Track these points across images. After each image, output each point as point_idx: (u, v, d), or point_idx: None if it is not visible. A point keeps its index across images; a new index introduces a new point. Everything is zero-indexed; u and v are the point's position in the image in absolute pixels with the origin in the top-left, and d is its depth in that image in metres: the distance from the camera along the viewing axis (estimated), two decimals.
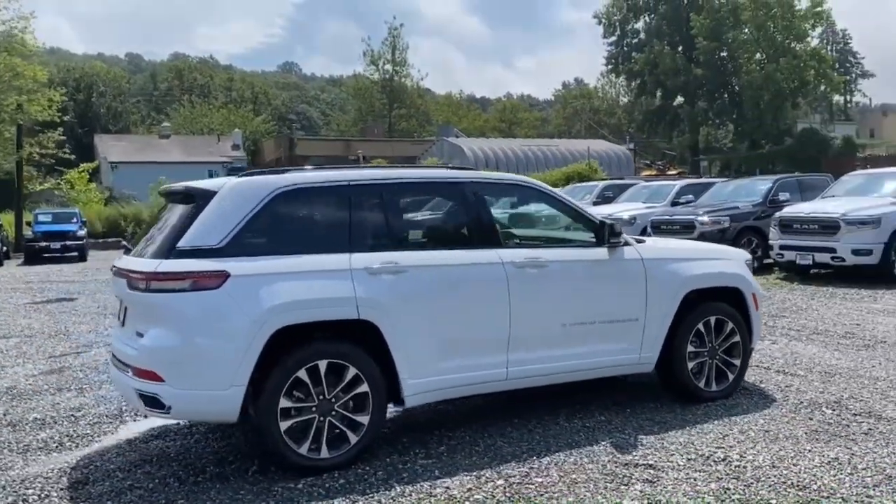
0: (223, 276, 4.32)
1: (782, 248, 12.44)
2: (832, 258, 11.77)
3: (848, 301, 10.19)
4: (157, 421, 5.42)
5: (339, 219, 4.83)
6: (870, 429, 4.97)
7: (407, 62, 68.69)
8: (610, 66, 60.89)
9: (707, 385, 5.70)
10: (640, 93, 60.05)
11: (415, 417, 5.44)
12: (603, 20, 57.99)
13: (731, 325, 5.78)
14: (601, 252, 5.42)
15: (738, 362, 5.83)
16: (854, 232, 11.50)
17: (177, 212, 4.79)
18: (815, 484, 4.10)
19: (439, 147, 36.64)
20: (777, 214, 12.85)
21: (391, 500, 4.09)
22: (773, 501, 3.91)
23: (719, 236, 12.87)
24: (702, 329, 5.67)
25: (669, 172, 32.10)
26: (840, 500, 3.90)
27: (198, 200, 4.58)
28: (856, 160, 39.30)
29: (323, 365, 4.46)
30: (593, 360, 5.38)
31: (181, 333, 4.30)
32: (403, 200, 5.20)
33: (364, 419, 4.57)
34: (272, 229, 4.64)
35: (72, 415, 5.84)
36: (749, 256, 6.42)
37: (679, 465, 4.42)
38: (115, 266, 4.89)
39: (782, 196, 13.93)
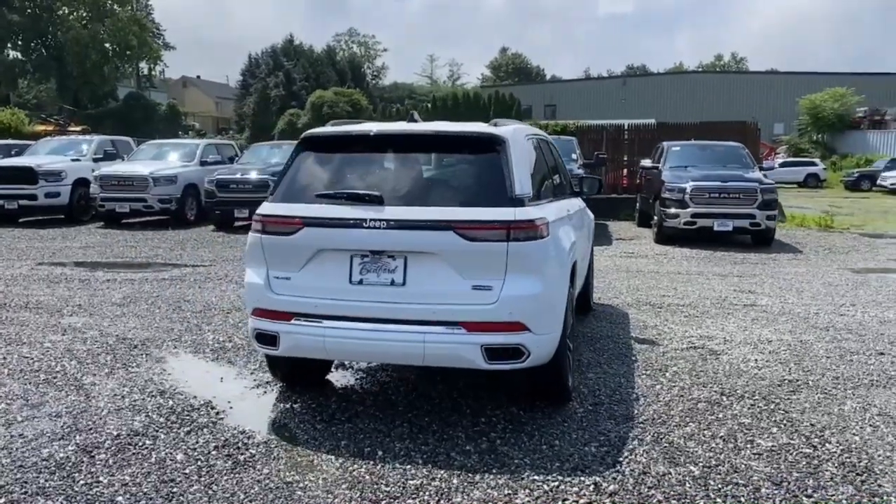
0: (547, 222, 4.40)
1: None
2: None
3: None
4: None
5: (536, 168, 5.12)
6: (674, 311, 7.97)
7: None
8: None
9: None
10: None
11: None
12: None
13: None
14: (581, 202, 6.89)
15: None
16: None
17: (444, 158, 4.57)
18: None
19: None
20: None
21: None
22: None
23: None
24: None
25: (72, 129, 29.21)
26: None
27: (498, 148, 4.36)
28: None
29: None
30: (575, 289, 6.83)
31: (540, 281, 4.21)
32: (548, 155, 5.66)
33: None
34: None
35: None
36: None
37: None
38: (384, 219, 4.13)
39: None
